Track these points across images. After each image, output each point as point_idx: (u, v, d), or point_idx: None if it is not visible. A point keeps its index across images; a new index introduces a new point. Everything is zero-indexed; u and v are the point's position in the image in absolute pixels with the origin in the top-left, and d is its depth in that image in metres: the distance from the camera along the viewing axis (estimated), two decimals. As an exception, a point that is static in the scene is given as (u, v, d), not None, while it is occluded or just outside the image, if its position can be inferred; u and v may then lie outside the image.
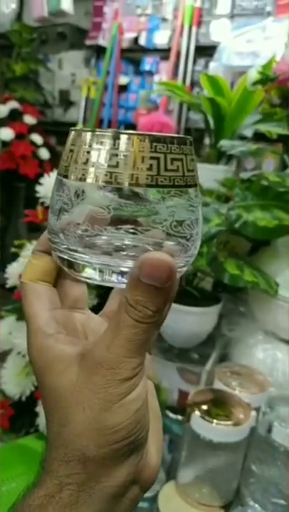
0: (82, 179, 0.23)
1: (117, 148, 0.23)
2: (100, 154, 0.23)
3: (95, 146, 0.23)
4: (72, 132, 0.25)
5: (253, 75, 0.85)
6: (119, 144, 0.23)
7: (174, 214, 0.24)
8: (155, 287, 0.21)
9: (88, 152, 0.23)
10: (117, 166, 0.23)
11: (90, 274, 0.25)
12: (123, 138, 0.23)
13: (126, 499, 0.24)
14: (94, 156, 0.23)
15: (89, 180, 0.23)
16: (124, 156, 0.23)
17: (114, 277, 0.24)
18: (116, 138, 0.23)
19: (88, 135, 0.24)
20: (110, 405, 0.22)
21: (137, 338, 0.22)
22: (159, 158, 0.23)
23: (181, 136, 0.24)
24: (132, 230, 0.26)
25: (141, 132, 0.23)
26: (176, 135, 0.24)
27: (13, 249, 0.79)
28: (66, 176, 0.24)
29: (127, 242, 0.26)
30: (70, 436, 0.22)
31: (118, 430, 0.22)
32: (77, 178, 0.24)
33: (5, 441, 0.75)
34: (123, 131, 0.23)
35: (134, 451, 0.23)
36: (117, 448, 0.22)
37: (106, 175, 0.23)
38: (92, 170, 0.23)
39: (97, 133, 0.23)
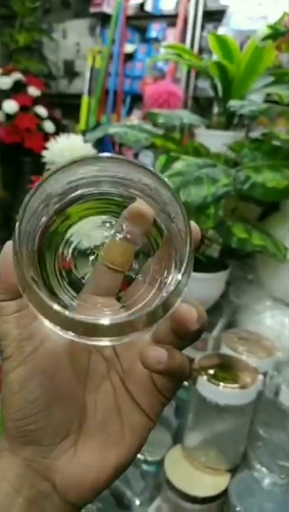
0: None
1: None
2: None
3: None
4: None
5: (263, 31, 0.81)
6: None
7: None
8: None
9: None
10: None
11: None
12: None
13: (39, 494, 0.23)
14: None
15: None
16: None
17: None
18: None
19: None
20: (4, 384, 0.23)
21: None
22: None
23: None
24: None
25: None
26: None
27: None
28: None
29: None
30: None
31: (6, 406, 0.23)
32: None
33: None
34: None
35: (29, 443, 0.23)
36: (11, 426, 0.23)
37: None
38: None
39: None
